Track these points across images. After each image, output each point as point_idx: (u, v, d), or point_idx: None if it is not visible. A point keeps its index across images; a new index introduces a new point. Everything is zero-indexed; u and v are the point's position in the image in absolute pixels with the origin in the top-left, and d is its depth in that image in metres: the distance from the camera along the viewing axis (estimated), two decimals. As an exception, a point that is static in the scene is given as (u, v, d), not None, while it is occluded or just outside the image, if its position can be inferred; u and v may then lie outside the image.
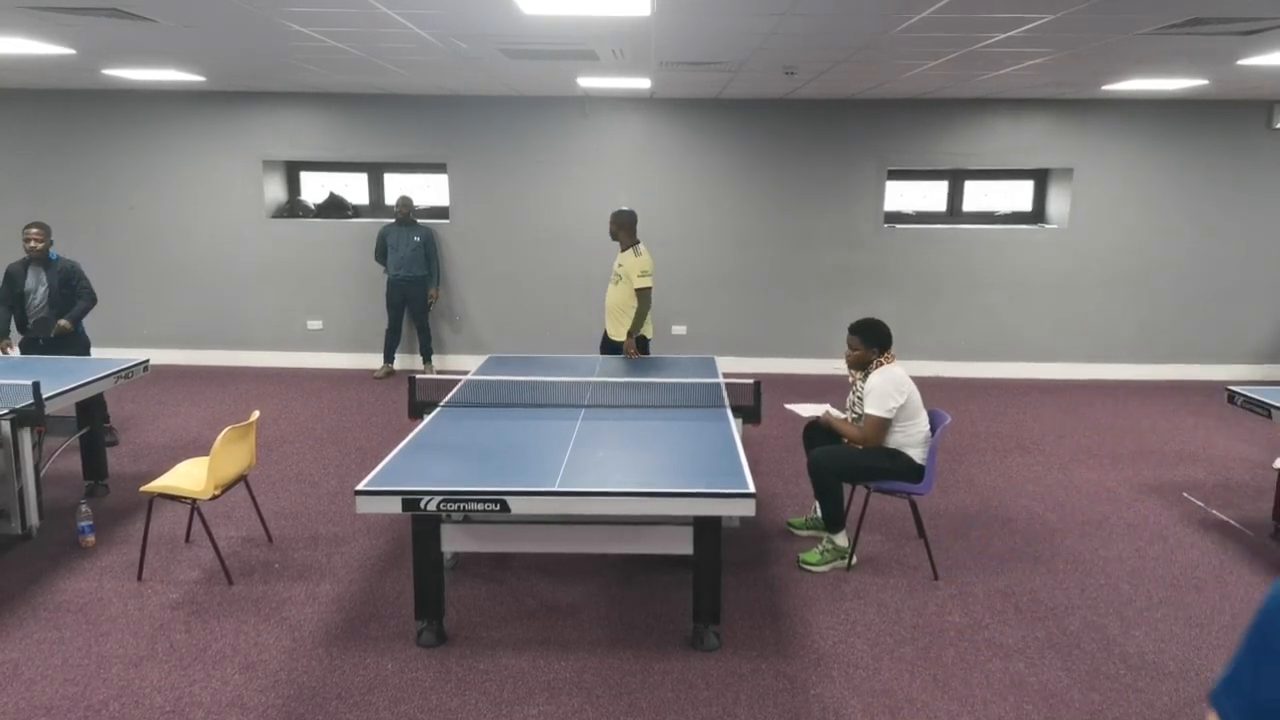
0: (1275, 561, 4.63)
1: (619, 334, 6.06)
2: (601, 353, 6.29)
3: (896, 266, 8.74)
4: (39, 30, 4.98)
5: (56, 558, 4.50)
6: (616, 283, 6.02)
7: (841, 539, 4.49)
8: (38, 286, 6.05)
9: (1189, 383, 8.65)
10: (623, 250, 6.03)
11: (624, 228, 5.99)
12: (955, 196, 9.12)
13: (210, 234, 8.79)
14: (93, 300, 6.20)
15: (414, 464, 3.80)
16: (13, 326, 6.09)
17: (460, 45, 5.33)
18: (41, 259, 6.04)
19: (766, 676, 3.52)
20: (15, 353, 6.09)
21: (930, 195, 9.18)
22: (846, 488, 4.55)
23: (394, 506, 3.45)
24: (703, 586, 3.68)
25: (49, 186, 8.67)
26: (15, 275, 6.05)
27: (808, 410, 4.80)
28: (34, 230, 5.99)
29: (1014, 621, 3.99)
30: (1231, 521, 5.17)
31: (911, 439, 4.40)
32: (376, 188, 9.24)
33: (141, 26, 4.78)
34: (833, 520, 4.47)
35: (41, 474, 4.89)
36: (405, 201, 8.41)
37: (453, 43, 5.24)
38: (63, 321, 6.00)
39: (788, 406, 4.97)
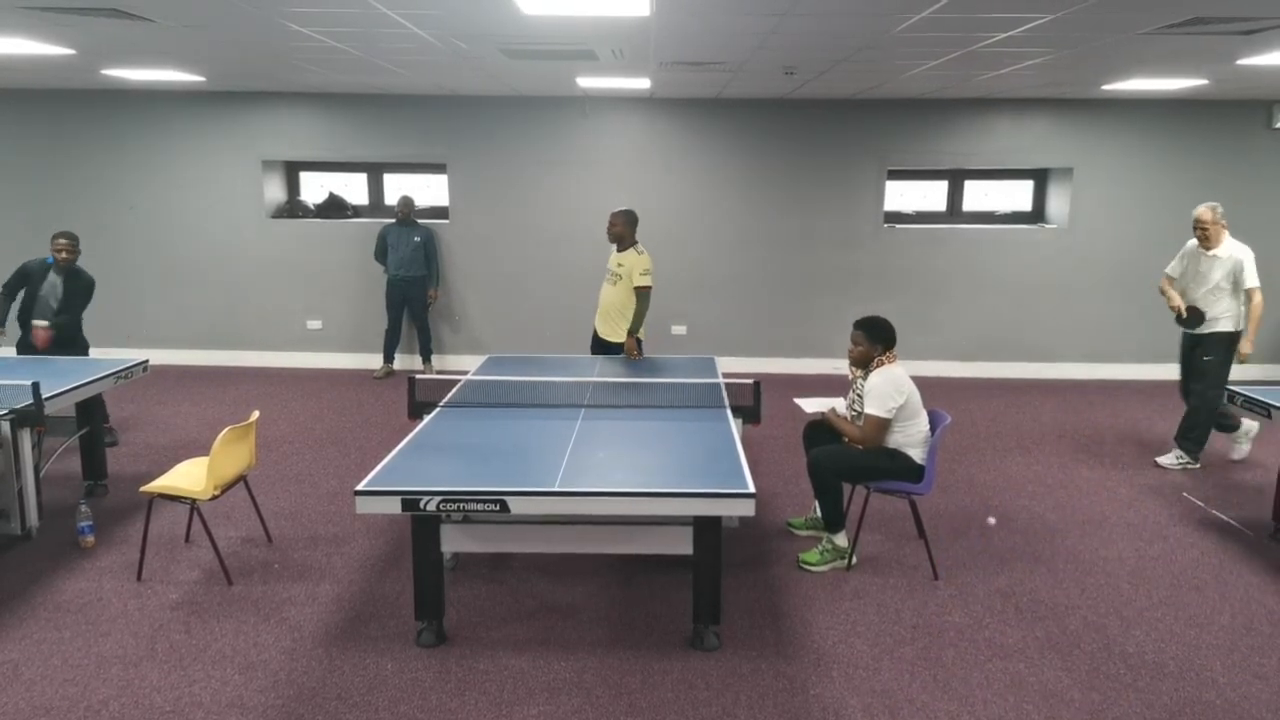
0: (1275, 561, 4.63)
1: (612, 334, 6.03)
2: (593, 354, 6.27)
3: (896, 266, 8.74)
4: (39, 30, 4.98)
5: (56, 558, 4.50)
6: (615, 283, 5.99)
7: (841, 539, 4.49)
8: (52, 293, 6.07)
9: (1189, 382, 8.63)
10: (621, 250, 6.00)
11: (630, 227, 5.97)
12: (955, 196, 9.12)
13: (210, 234, 8.79)
14: (79, 317, 6.22)
15: (414, 464, 3.80)
16: (13, 321, 6.08)
17: (460, 45, 5.33)
18: (67, 268, 6.08)
19: (766, 676, 3.52)
20: (10, 351, 6.07)
21: (930, 195, 9.18)
22: (846, 488, 4.55)
23: (394, 507, 3.45)
24: (703, 586, 3.68)
25: (49, 186, 8.68)
26: (34, 274, 6.05)
27: (813, 406, 4.79)
28: (64, 241, 6.05)
29: (1014, 621, 3.99)
30: (1231, 521, 5.17)
31: (911, 439, 4.40)
32: (376, 188, 9.24)
33: (141, 26, 4.78)
34: (832, 520, 4.47)
35: (41, 474, 4.89)
36: (406, 201, 8.41)
37: (453, 43, 5.24)
38: (53, 322, 6.02)
39: (796, 400, 4.97)
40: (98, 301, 6.37)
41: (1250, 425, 6.14)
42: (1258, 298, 5.73)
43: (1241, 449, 6.20)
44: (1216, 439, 6.24)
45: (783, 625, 3.92)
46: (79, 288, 6.15)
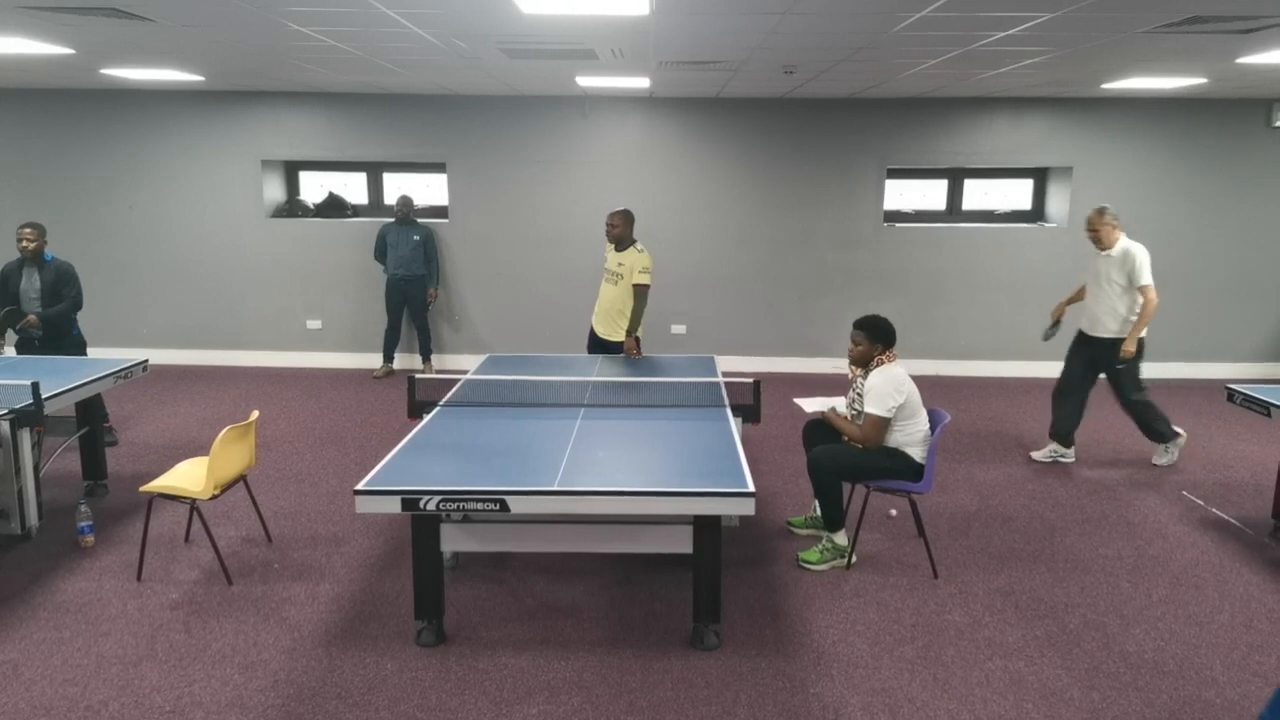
0: (1275, 560, 4.63)
1: (611, 333, 6.03)
2: (589, 353, 6.27)
3: (896, 265, 8.74)
4: (39, 30, 4.98)
5: (56, 558, 4.50)
6: (616, 283, 5.99)
7: (841, 538, 4.49)
8: (30, 288, 6.03)
9: (1189, 382, 8.65)
10: (621, 249, 6.00)
11: (629, 226, 5.98)
12: (955, 195, 9.12)
13: (210, 234, 8.79)
14: (75, 305, 6.10)
15: (413, 464, 3.80)
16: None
17: (460, 45, 5.33)
18: (35, 260, 6.02)
19: (766, 675, 3.52)
20: (10, 351, 6.08)
21: (930, 194, 9.18)
22: (846, 487, 4.55)
23: (394, 506, 3.45)
24: (702, 585, 3.68)
25: (49, 186, 8.67)
26: (10, 274, 6.04)
27: (813, 405, 4.80)
28: (26, 230, 5.97)
29: (1014, 620, 3.99)
30: (1231, 520, 5.17)
31: (911, 438, 4.40)
32: (376, 187, 9.24)
33: (141, 26, 4.78)
34: (832, 519, 4.47)
35: (41, 474, 4.89)
36: (405, 201, 8.41)
37: (452, 43, 5.24)
38: (31, 316, 5.93)
39: (795, 400, 4.97)
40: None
41: (1068, 454, 6.23)
42: (1150, 294, 5.75)
43: (1045, 454, 6.25)
44: (1032, 437, 6.46)
45: (783, 624, 3.92)
46: (55, 277, 6.03)
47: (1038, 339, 8.74)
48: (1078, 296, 6.25)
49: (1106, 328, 5.90)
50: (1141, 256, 5.76)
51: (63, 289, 6.05)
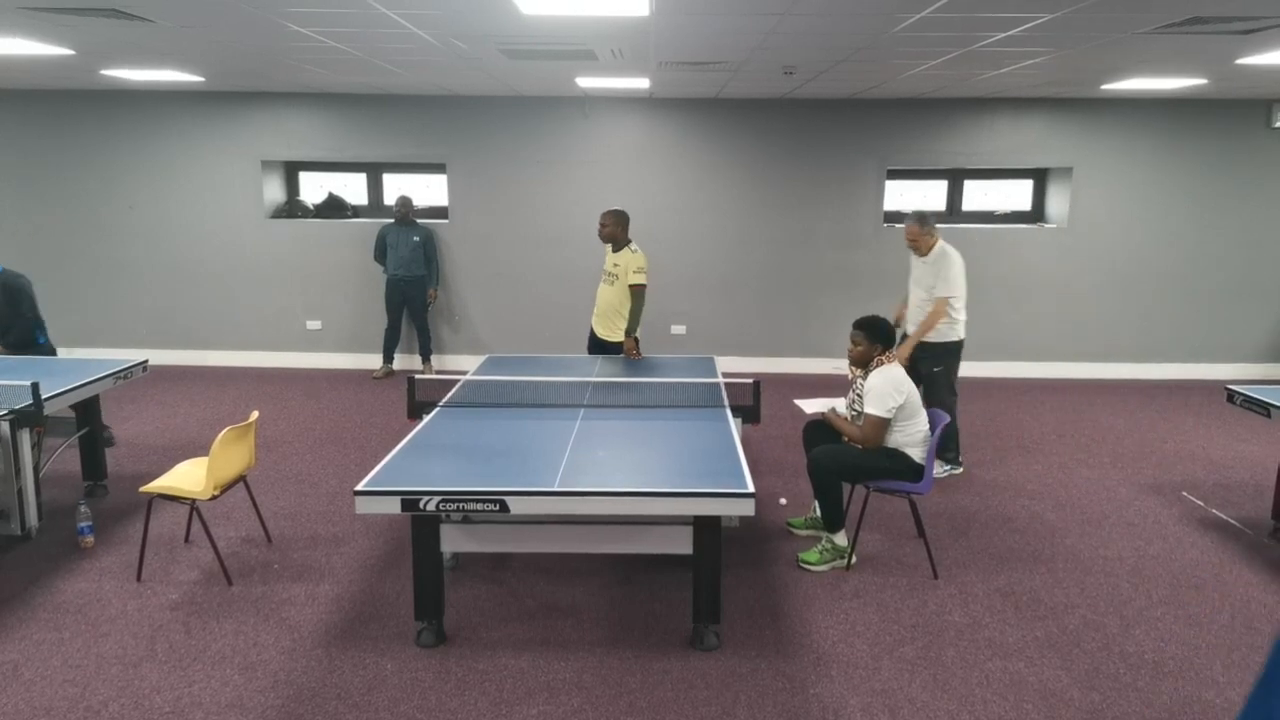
0: (1274, 560, 4.63)
1: (610, 334, 6.03)
2: (590, 354, 6.27)
3: (896, 266, 8.69)
4: (39, 30, 4.98)
5: (56, 558, 4.50)
6: (613, 283, 5.99)
7: (841, 538, 4.49)
8: None
9: (1189, 382, 8.65)
10: (616, 250, 5.99)
11: (621, 226, 5.97)
12: (955, 196, 9.12)
13: (209, 234, 8.79)
14: (34, 325, 5.87)
15: (413, 464, 3.80)
16: None
17: (459, 45, 5.33)
18: None
19: (766, 676, 3.52)
20: None
21: (930, 195, 9.18)
22: (846, 487, 4.55)
23: (393, 507, 3.45)
24: (702, 586, 3.68)
25: (49, 186, 8.67)
26: None
27: (813, 406, 4.81)
28: None
29: (1014, 621, 3.99)
30: (1231, 520, 5.17)
31: (911, 439, 4.40)
32: (376, 188, 9.24)
33: (141, 27, 4.78)
34: (832, 520, 4.47)
35: (41, 474, 4.89)
36: (405, 201, 8.41)
37: (452, 43, 5.24)
38: None
39: (796, 402, 4.98)
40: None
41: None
42: (940, 306, 5.65)
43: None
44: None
45: (782, 625, 3.92)
46: (4, 294, 5.77)
47: (1038, 339, 8.79)
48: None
49: (933, 334, 5.75)
50: (949, 268, 5.65)
51: (19, 307, 5.80)
